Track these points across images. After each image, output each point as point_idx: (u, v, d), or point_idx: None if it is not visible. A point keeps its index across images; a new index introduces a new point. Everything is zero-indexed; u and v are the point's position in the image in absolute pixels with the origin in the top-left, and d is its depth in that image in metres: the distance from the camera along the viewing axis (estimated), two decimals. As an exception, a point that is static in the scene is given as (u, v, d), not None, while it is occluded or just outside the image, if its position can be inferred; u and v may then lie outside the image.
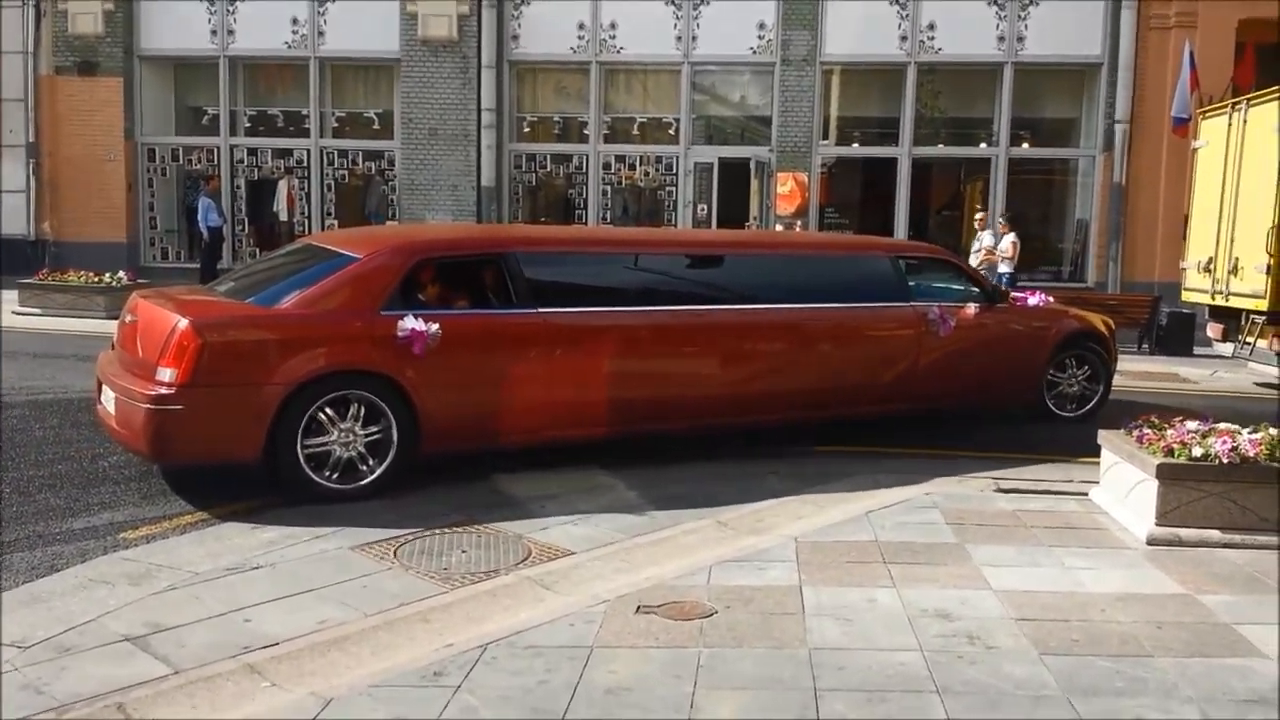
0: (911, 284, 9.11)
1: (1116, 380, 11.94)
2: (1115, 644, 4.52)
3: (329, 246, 7.26)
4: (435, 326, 6.61)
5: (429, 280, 7.05)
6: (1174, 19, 17.38)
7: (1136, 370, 13.21)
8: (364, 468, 6.51)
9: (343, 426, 6.42)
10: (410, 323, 6.56)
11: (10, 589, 4.97)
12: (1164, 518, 5.85)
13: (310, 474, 6.34)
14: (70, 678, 4.05)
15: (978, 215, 17.23)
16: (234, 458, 6.31)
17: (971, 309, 8.87)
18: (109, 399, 6.56)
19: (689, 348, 7.74)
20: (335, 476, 6.43)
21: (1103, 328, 9.88)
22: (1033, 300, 9.73)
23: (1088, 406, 9.59)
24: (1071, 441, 8.32)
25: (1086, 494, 6.80)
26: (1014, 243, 16.22)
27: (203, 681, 4.03)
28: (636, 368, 7.46)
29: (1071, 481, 7.23)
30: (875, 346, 8.53)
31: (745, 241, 10.16)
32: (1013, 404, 9.43)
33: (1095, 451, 6.78)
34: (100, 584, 5.01)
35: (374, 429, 6.52)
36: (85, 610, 4.68)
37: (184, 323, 6.14)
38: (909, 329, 8.52)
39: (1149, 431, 6.20)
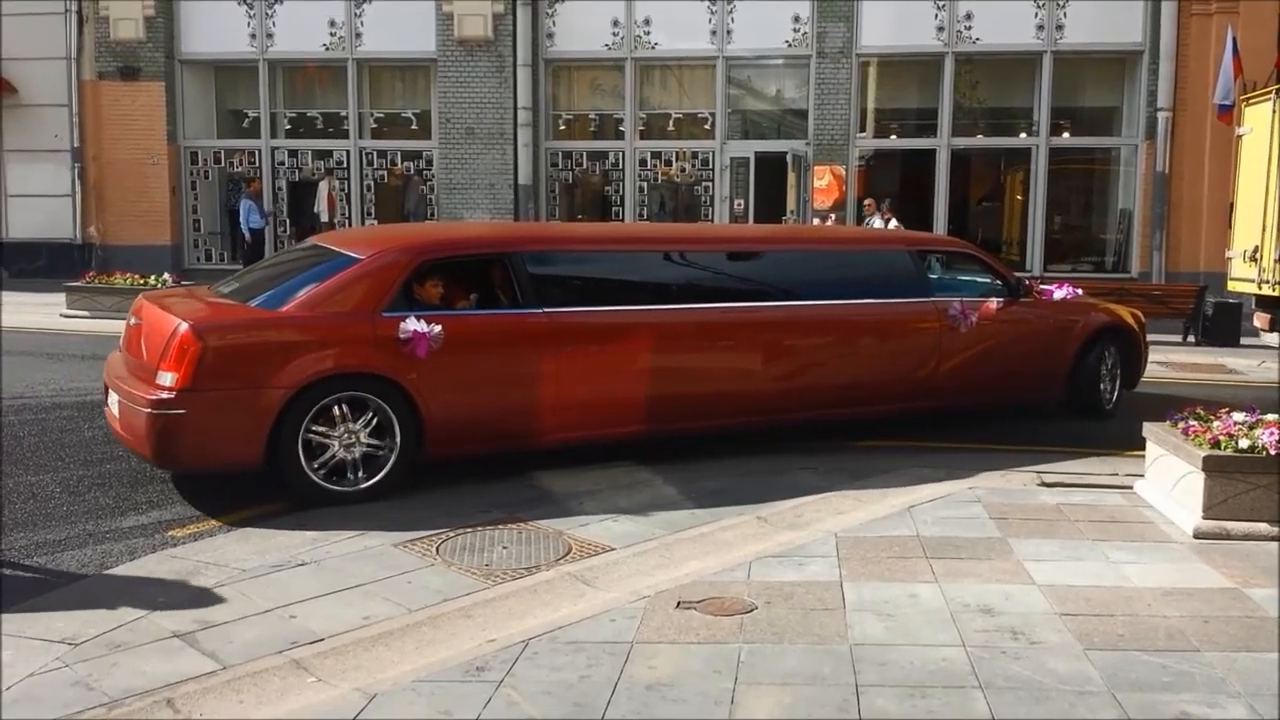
0: (933, 278, 8.92)
1: (1161, 371, 11.83)
2: (1161, 638, 4.47)
3: (333, 247, 7.20)
4: (438, 328, 6.54)
5: (433, 280, 6.98)
6: (1215, 5, 17.12)
7: (1182, 361, 13.04)
8: (367, 470, 6.45)
9: (344, 429, 6.36)
10: (412, 324, 6.49)
11: (63, 586, 5.07)
12: (1211, 511, 5.78)
13: (312, 477, 6.28)
14: (121, 674, 4.12)
15: (866, 201, 17.10)
16: (236, 462, 6.27)
17: (994, 303, 8.65)
18: (114, 402, 6.57)
19: (698, 346, 7.59)
20: (337, 479, 6.37)
21: (1131, 321, 9.60)
22: (1059, 293, 9.42)
23: (1114, 400, 9.38)
24: (1116, 434, 8.24)
25: (1131, 487, 6.73)
26: (896, 228, 16.09)
27: (250, 677, 4.09)
28: (647, 366, 7.33)
29: (1116, 475, 7.15)
30: (892, 343, 8.32)
31: (755, 237, 9.97)
32: (1039, 400, 9.25)
33: (1140, 444, 6.70)
34: (149, 581, 5.09)
35: (377, 431, 6.47)
36: (135, 607, 4.75)
37: (184, 326, 6.10)
38: (928, 325, 8.33)
39: (1195, 423, 6.12)
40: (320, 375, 6.27)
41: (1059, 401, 9.24)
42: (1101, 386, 9.25)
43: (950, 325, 8.36)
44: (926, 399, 8.45)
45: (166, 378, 6.05)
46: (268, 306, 6.59)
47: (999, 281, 9.01)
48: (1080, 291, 9.79)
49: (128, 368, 6.67)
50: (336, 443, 6.35)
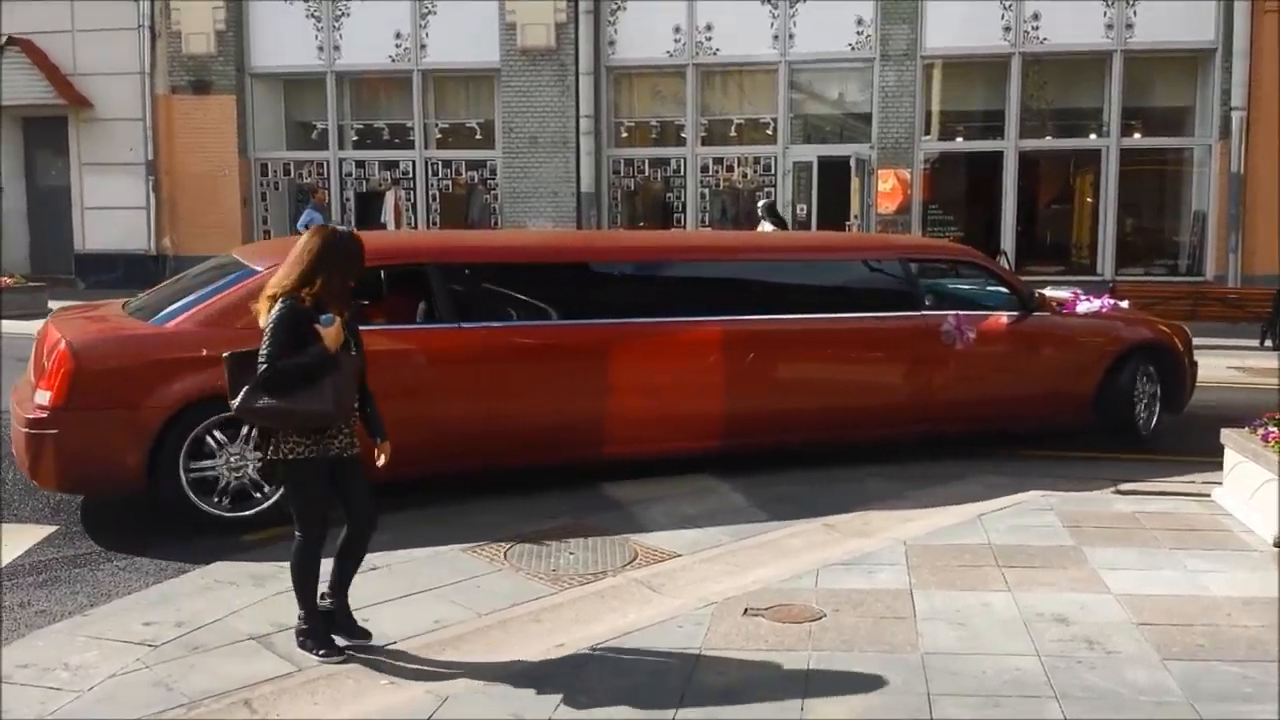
0: (930, 290, 8.22)
1: (1238, 377, 11.56)
2: (1242, 649, 4.38)
3: (240, 259, 6.88)
4: None
5: None
6: (1292, 0, 16.70)
7: (1259, 367, 12.70)
8: (257, 495, 6.13)
9: (232, 451, 6.04)
10: None
11: (141, 589, 5.20)
12: (1293, 519, 5.63)
13: (196, 501, 5.99)
14: (199, 675, 4.22)
15: (760, 203, 16.88)
16: (116, 483, 6.08)
17: (1000, 318, 7.92)
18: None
19: (637, 364, 6.99)
20: (224, 503, 6.06)
21: (1172, 339, 8.62)
22: (1082, 306, 8.47)
23: (1153, 425, 8.47)
24: (1192, 442, 8.03)
25: (1209, 495, 6.59)
26: (774, 230, 15.81)
27: (324, 679, 4.17)
28: (576, 385, 6.85)
29: (1193, 482, 7.02)
30: (870, 363, 7.72)
31: (707, 245, 9.16)
32: (1060, 425, 8.34)
33: (1218, 452, 6.56)
34: (226, 585, 5.20)
35: (268, 453, 6.16)
36: (212, 610, 4.86)
37: (63, 344, 5.93)
38: (916, 343, 7.66)
39: (1275, 430, 5.97)
40: (204, 395, 5.89)
41: (1085, 427, 8.36)
42: (1135, 410, 8.33)
43: (944, 343, 7.65)
44: (917, 424, 7.81)
45: (43, 396, 5.88)
46: (158, 322, 6.35)
47: (1009, 294, 8.26)
48: (1122, 304, 9.02)
49: (27, 385, 6.47)
50: (221, 464, 6.04)
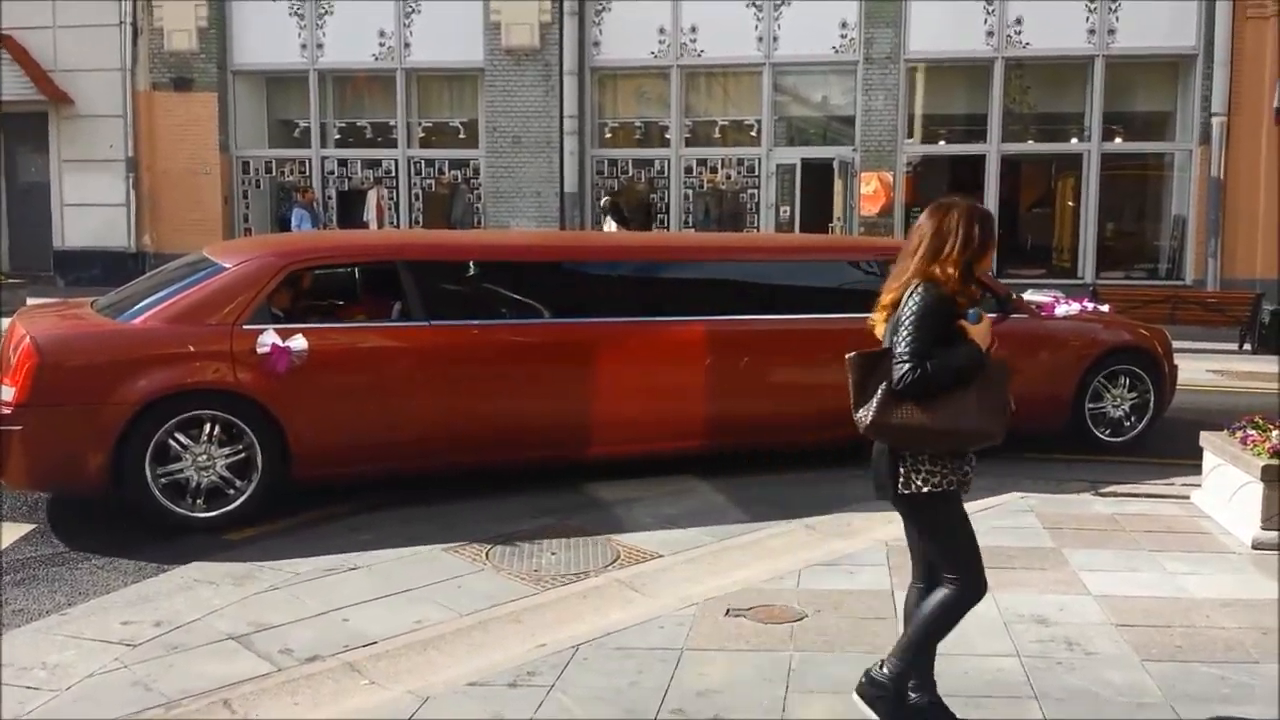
0: None
1: (1217, 381, 11.63)
2: (1220, 650, 4.41)
3: (210, 255, 6.78)
4: (301, 342, 6.08)
5: (306, 291, 6.67)
6: (1272, 7, 16.81)
7: (1238, 370, 12.80)
8: (227, 495, 6.03)
9: (198, 450, 5.94)
10: (271, 337, 6.03)
11: (120, 588, 5.16)
12: (1270, 521, 5.67)
13: (162, 501, 5.89)
14: (177, 675, 4.19)
15: (602, 200, 17.08)
16: (78, 482, 5.99)
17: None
18: None
19: (604, 363, 6.90)
20: (193, 504, 5.96)
21: (1152, 342, 8.49)
22: (1061, 309, 8.32)
23: (1133, 433, 8.31)
24: (1172, 445, 8.07)
25: (1188, 497, 6.63)
26: (618, 229, 16.08)
27: (304, 679, 4.15)
28: (547, 385, 6.79)
29: (1172, 484, 7.06)
30: (830, 366, 7.70)
31: (680, 246, 9.09)
32: (1038, 430, 7.92)
33: (1197, 455, 6.60)
34: (205, 584, 5.17)
35: (237, 453, 6.03)
36: (191, 610, 4.83)
37: (27, 339, 5.88)
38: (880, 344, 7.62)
39: (1253, 433, 6.02)
40: (167, 391, 5.87)
41: (1065, 431, 8.18)
42: (1114, 415, 8.26)
43: None
44: None
45: (6, 392, 5.79)
46: (126, 319, 6.27)
47: (987, 296, 8.20)
48: (1103, 307, 8.97)
49: None
50: (189, 464, 5.94)
